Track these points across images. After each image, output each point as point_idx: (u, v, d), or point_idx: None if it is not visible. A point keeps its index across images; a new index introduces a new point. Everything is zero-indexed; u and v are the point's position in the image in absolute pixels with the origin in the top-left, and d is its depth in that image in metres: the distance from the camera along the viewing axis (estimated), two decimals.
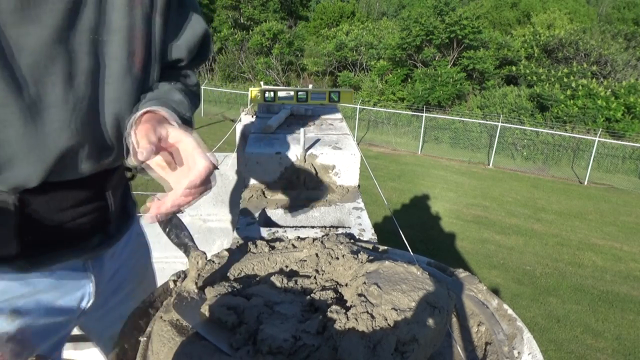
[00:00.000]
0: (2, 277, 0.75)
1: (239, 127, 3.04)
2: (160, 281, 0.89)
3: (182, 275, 0.80)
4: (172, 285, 0.81)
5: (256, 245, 0.91)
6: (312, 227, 1.24)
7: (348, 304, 0.68)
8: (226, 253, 0.91)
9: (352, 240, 0.92)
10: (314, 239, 0.91)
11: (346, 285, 0.78)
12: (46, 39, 0.65)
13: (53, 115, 0.69)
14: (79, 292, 0.87)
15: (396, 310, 0.63)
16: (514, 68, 18.70)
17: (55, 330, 0.84)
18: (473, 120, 15.86)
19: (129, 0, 0.73)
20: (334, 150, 1.47)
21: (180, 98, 0.84)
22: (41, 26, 0.64)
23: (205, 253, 0.75)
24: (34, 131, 0.68)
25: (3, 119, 0.65)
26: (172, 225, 0.80)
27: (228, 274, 0.84)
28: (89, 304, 0.90)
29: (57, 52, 0.67)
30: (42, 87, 0.67)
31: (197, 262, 0.73)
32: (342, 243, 0.87)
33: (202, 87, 19.65)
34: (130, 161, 0.69)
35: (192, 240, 0.79)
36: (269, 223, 1.31)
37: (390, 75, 19.99)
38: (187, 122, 0.79)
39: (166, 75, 0.89)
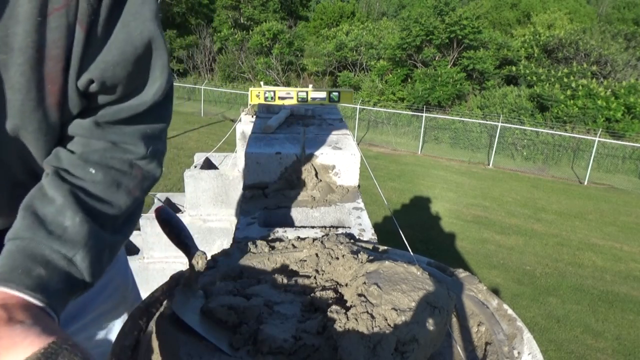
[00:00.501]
0: None
1: (239, 127, 3.05)
2: (160, 281, 0.89)
3: (182, 275, 0.80)
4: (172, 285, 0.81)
5: (256, 245, 0.91)
6: (312, 227, 1.24)
7: (348, 304, 0.68)
8: (226, 253, 0.91)
9: (352, 240, 0.92)
10: (314, 239, 0.92)
11: (346, 285, 0.78)
12: None
13: None
14: None
15: (396, 310, 0.63)
16: (514, 68, 18.71)
17: None
18: (473, 121, 15.86)
19: (39, 7, 0.51)
20: (334, 150, 1.47)
21: (70, 225, 0.55)
22: None
23: (205, 253, 0.75)
24: None
25: None
26: (172, 225, 0.80)
27: (228, 274, 0.84)
28: None
29: None
30: None
31: (197, 262, 0.73)
32: (342, 243, 0.87)
33: (202, 87, 19.68)
34: None
35: (192, 240, 0.79)
36: (269, 223, 1.31)
37: (390, 75, 20.00)
38: (72, 280, 0.54)
39: (87, 137, 0.61)
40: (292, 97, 2.09)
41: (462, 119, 16.01)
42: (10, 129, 0.55)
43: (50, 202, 0.55)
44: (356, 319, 0.63)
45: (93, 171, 0.60)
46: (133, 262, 3.40)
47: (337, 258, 0.83)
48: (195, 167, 3.45)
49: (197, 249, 0.75)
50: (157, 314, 0.73)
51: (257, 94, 2.11)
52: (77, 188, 0.58)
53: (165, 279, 0.84)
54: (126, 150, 0.63)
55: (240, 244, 0.92)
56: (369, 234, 1.17)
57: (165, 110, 0.69)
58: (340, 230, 1.20)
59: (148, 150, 0.65)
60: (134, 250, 3.69)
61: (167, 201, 3.70)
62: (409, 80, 19.58)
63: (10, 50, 0.51)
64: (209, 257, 0.87)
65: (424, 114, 15.54)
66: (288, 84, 21.47)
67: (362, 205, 1.36)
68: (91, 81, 0.58)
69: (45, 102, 0.55)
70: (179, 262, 3.34)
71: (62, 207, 0.55)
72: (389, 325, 0.62)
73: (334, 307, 0.67)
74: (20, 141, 0.57)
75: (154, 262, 3.38)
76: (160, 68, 0.62)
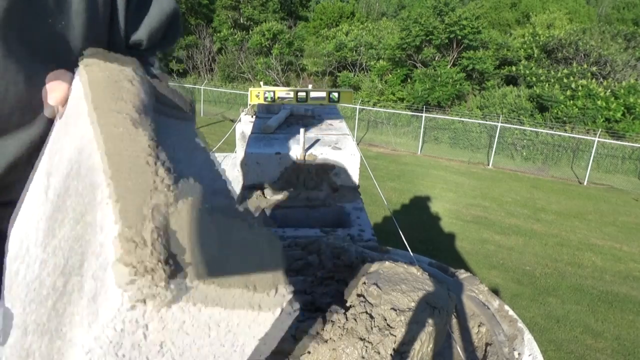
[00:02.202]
0: None
1: (238, 127, 3.05)
2: None
3: None
4: None
5: None
6: (312, 227, 1.23)
7: (348, 304, 0.68)
8: None
9: (353, 241, 0.92)
10: (316, 239, 0.91)
11: (347, 285, 0.78)
12: None
13: None
14: None
15: (395, 310, 0.63)
16: (513, 68, 18.71)
17: None
18: (473, 121, 15.87)
19: None
20: (333, 150, 1.47)
21: None
22: None
23: None
24: None
25: None
26: None
27: None
28: None
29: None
30: None
31: None
32: (343, 243, 0.87)
33: (202, 87, 19.68)
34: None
35: None
36: (269, 223, 1.31)
37: (390, 76, 20.01)
38: None
39: None
40: (291, 97, 2.09)
41: (461, 119, 16.02)
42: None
43: None
44: (355, 319, 0.63)
45: None
46: None
47: (339, 258, 0.83)
48: None
49: None
50: None
51: (257, 94, 2.11)
52: None
53: None
54: (148, 64, 0.83)
55: None
56: (369, 234, 1.17)
57: None
58: (340, 231, 1.20)
59: (158, 65, 0.87)
60: None
61: None
62: (409, 80, 19.58)
63: (68, 15, 0.60)
64: None
65: (423, 114, 15.55)
66: (288, 84, 21.47)
67: (361, 205, 1.36)
68: (141, 42, 0.76)
69: None
70: None
71: None
72: (388, 325, 0.62)
73: (333, 307, 0.67)
74: None
75: None
76: (178, 27, 0.85)
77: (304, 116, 2.00)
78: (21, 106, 0.56)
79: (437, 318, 0.65)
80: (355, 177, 1.49)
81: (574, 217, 9.61)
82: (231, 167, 3.43)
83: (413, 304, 0.65)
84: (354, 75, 21.16)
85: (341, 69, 22.26)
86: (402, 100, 18.90)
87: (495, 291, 5.18)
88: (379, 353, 0.59)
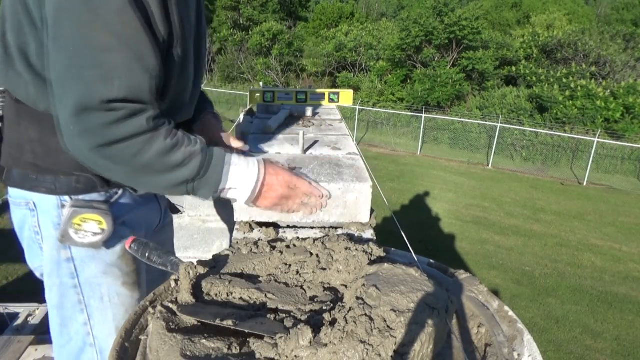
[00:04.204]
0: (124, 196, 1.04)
1: (238, 128, 3.04)
2: (160, 281, 0.89)
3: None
4: (173, 284, 0.81)
5: (257, 246, 0.91)
6: (312, 227, 1.23)
7: (348, 306, 0.68)
8: (227, 253, 0.90)
9: (353, 242, 0.92)
10: (315, 240, 0.91)
11: (346, 287, 0.78)
12: None
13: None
14: (156, 211, 1.23)
15: (395, 311, 0.63)
16: (513, 68, 18.72)
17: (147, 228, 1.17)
18: (472, 121, 15.88)
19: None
20: (333, 150, 1.47)
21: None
22: None
23: (193, 263, 0.75)
24: None
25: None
26: (150, 248, 0.81)
27: (228, 274, 0.84)
28: (161, 221, 1.27)
29: None
30: None
31: (189, 273, 0.74)
32: (343, 244, 0.87)
33: (202, 88, 19.69)
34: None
35: (174, 255, 0.80)
36: (268, 223, 1.30)
37: (390, 76, 20.01)
38: None
39: None
40: (291, 98, 2.09)
41: (461, 119, 16.03)
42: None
43: None
44: (355, 322, 0.62)
45: None
46: None
47: (338, 260, 0.83)
48: None
49: (183, 262, 0.76)
50: (157, 314, 0.73)
51: (257, 95, 2.11)
52: None
53: (165, 278, 0.84)
54: None
55: (241, 244, 0.92)
56: (369, 235, 1.17)
57: None
58: (340, 231, 1.20)
59: None
60: None
61: (166, 202, 3.69)
62: (409, 80, 19.59)
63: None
64: (208, 258, 0.87)
65: (423, 115, 15.56)
66: (287, 85, 21.47)
67: None
68: None
69: None
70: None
71: None
72: (388, 327, 0.62)
73: (333, 309, 0.67)
74: None
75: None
76: None
77: (303, 117, 2.01)
78: None
79: (436, 319, 0.65)
80: None
81: (574, 217, 9.62)
82: None
83: (413, 305, 0.65)
84: (354, 76, 21.17)
85: (341, 70, 22.27)
86: (401, 100, 18.90)
87: (495, 292, 5.18)
88: (379, 355, 0.59)
